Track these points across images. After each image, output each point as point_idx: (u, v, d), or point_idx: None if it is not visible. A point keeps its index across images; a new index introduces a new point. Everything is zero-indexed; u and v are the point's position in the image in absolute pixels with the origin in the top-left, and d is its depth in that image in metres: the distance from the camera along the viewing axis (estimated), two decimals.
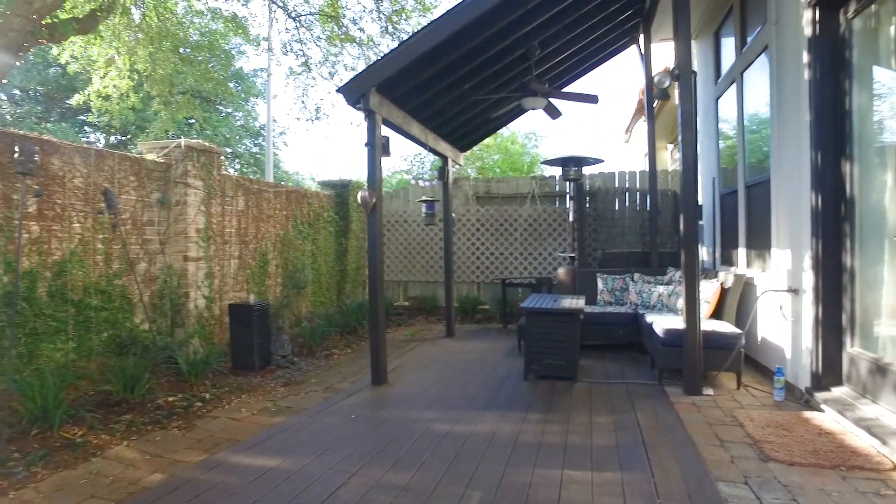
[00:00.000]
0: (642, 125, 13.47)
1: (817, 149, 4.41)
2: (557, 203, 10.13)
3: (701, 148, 8.12)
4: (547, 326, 5.63)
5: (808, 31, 4.46)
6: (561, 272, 8.23)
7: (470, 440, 4.04)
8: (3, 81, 4.00)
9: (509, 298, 9.65)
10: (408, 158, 19.71)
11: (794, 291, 4.80)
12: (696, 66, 8.32)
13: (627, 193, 9.11)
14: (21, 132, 4.91)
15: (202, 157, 6.33)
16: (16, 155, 3.96)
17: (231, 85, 16.71)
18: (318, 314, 8.70)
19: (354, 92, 5.46)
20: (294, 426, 4.41)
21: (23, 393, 4.02)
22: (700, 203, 8.49)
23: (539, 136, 21.09)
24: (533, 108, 6.67)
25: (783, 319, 5.02)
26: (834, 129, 4.36)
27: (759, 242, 5.77)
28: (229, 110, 17.46)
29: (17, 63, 4.00)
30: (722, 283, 5.90)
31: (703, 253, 8.05)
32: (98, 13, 4.83)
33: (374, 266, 5.73)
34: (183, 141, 6.14)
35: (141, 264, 5.83)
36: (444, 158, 8.20)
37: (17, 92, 13.88)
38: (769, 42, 5.25)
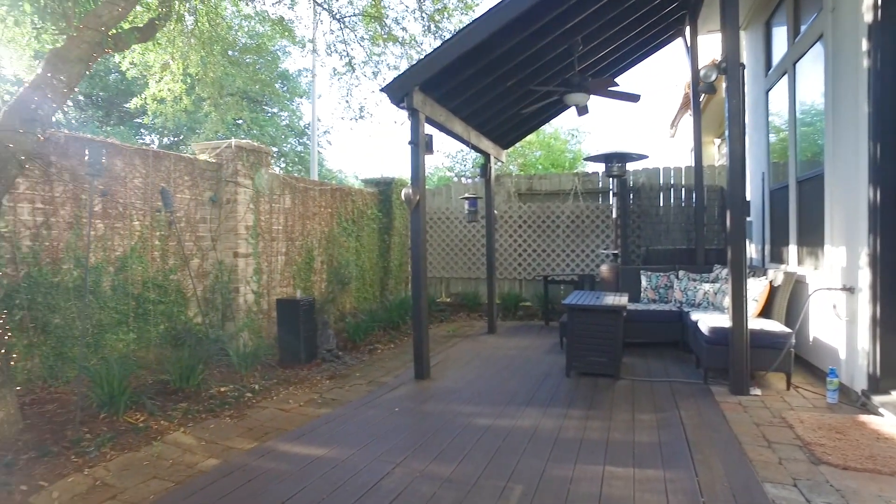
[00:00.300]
0: (688, 119, 13.16)
1: (875, 141, 4.24)
2: (600, 200, 10.02)
3: (749, 142, 7.90)
4: (590, 323, 5.60)
5: (868, 18, 4.29)
6: (604, 269, 8.15)
7: (511, 435, 4.07)
8: (75, 90, 4.26)
9: (551, 295, 9.61)
10: (449, 156, 19.82)
11: (850, 290, 4.63)
12: (744, 57, 8.07)
13: (672, 189, 8.92)
14: (89, 136, 5.22)
15: (251, 157, 6.55)
16: (86, 158, 4.22)
17: (277, 85, 17.17)
18: (361, 310, 8.88)
19: (398, 91, 5.55)
20: (339, 417, 4.54)
21: (92, 379, 4.29)
22: (748, 199, 8.25)
23: (582, 132, 20.85)
24: (576, 105, 6.61)
25: (837, 319, 4.85)
26: (894, 121, 4.18)
27: (812, 239, 5.57)
28: (275, 110, 17.94)
29: (87, 72, 4.25)
30: (771, 281, 5.73)
31: (752, 250, 7.83)
32: (156, 22, 5.07)
33: (417, 263, 5.82)
34: (234, 141, 6.37)
35: (194, 260, 6.10)
36: (487, 156, 8.23)
37: (81, 98, 14.65)
38: (825, 30, 5.06)
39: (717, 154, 13.22)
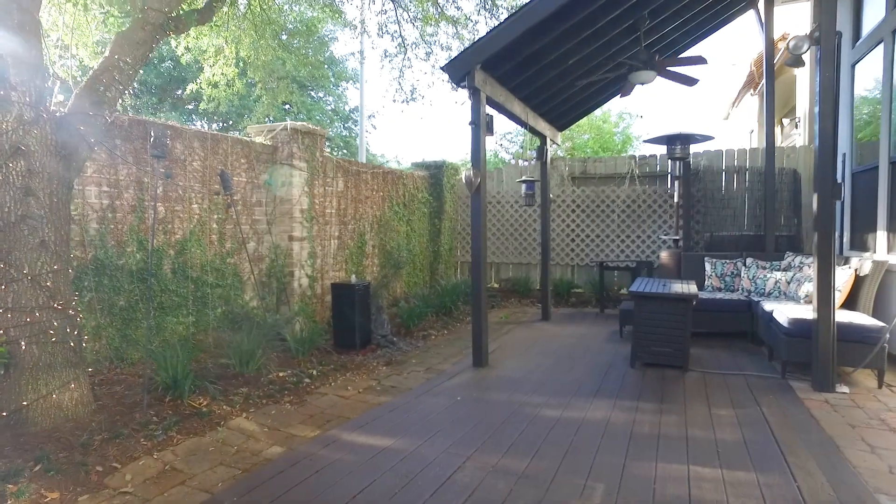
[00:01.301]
0: (749, 100, 12.48)
1: None
2: (658, 183, 9.58)
3: None
4: (657, 312, 5.31)
5: None
6: (664, 255, 7.78)
7: (583, 428, 3.86)
8: (140, 72, 4.21)
9: (606, 282, 9.29)
10: (497, 139, 19.44)
11: None
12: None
13: (737, 173, 8.43)
14: (150, 119, 5.20)
15: (306, 139, 6.46)
16: (151, 139, 4.17)
17: (326, 68, 17.13)
18: (412, 294, 8.77)
19: (459, 69, 5.33)
20: (401, 406, 4.42)
21: (157, 363, 4.28)
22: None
23: (632, 115, 20.09)
24: (642, 83, 6.26)
25: None
26: None
27: None
28: (321, 95, 17.91)
29: (150, 55, 4.19)
30: (856, 270, 5.30)
31: None
32: (214, 3, 4.98)
33: (477, 248, 5.63)
34: (289, 123, 6.28)
35: (250, 244, 6.06)
36: (543, 137, 7.93)
37: (136, 84, 14.97)
38: None
39: (780, 135, 12.51)
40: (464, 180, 5.58)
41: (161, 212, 5.13)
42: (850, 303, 5.29)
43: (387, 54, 9.04)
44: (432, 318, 7.83)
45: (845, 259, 6.05)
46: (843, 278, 5.33)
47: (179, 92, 15.32)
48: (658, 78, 6.17)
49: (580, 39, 5.95)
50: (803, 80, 9.25)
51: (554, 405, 4.38)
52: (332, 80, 18.05)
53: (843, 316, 4.84)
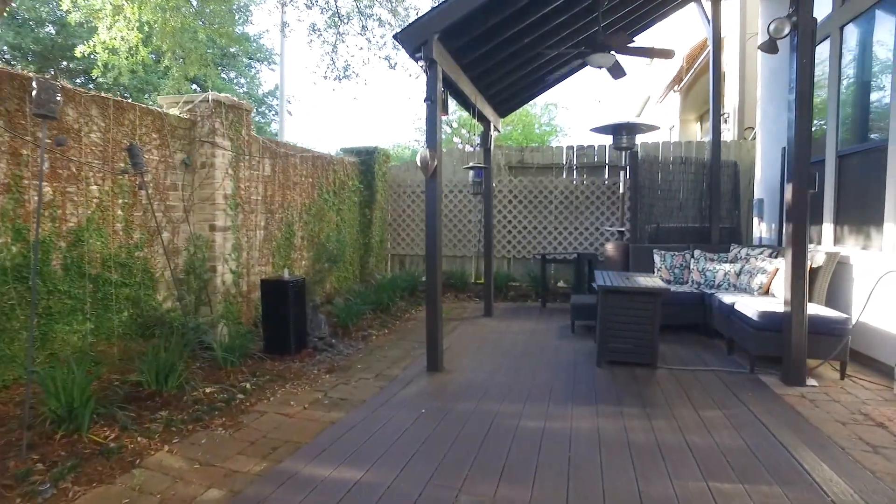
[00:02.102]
0: (671, 97, 12.76)
1: None
2: (597, 174, 9.42)
3: (764, 117, 7.44)
4: (624, 307, 4.98)
5: None
6: (610, 247, 7.57)
7: (575, 441, 3.39)
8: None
9: (540, 274, 9.01)
10: (420, 127, 18.69)
11: None
12: (759, 25, 7.57)
13: (672, 164, 8.38)
14: (32, 73, 4.10)
15: (230, 115, 5.53)
16: (33, 93, 3.15)
17: (234, 50, 15.64)
18: (342, 290, 8.00)
19: (416, 38, 4.68)
20: (359, 424, 3.73)
21: (43, 387, 3.28)
22: (754, 176, 7.84)
23: (557, 106, 20.06)
24: (600, 67, 5.90)
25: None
26: None
27: (859, 217, 5.12)
28: (233, 75, 16.33)
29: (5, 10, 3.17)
30: (810, 262, 5.26)
31: (761, 228, 7.43)
32: None
33: (432, 239, 5.03)
34: (211, 94, 5.33)
35: (164, 234, 5.07)
36: (487, 122, 7.44)
37: (5, 48, 12.76)
38: None
39: (699, 132, 12.91)
40: (419, 163, 4.95)
41: (48, 193, 4.07)
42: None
43: (315, 29, 8.14)
44: (370, 317, 7.13)
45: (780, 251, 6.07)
46: None
47: (66, 64, 13.31)
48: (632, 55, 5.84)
49: (538, 17, 5.49)
50: (732, 75, 9.45)
51: (533, 415, 3.89)
52: (246, 60, 16.53)
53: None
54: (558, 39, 6.17)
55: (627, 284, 5.03)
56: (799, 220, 4.38)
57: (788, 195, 4.45)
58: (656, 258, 6.89)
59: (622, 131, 7.49)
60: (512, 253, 9.70)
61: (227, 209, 5.50)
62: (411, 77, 17.99)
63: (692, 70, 10.50)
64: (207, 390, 4.13)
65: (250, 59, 16.81)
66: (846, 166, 5.34)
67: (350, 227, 8.62)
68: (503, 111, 8.11)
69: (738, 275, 6.20)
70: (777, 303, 5.01)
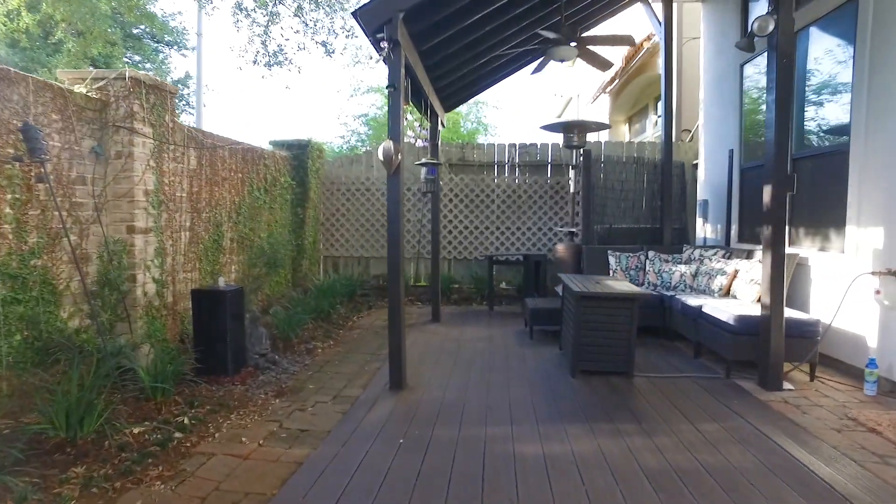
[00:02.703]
0: (603, 98, 12.91)
1: None
2: (540, 173, 9.22)
3: (708, 118, 7.53)
4: (599, 314, 4.70)
5: None
6: (561, 248, 7.36)
7: (585, 470, 3.02)
8: None
9: (483, 276, 8.70)
10: (346, 122, 17.70)
11: (895, 274, 4.20)
12: (702, 30, 7.66)
13: (624, 164, 8.29)
14: None
15: (152, 96, 4.66)
16: None
17: (137, 31, 14.00)
18: (276, 297, 7.21)
19: (378, 16, 4.13)
20: (331, 464, 3.14)
21: None
22: (697, 177, 7.94)
23: (486, 103, 19.72)
24: (561, 61, 5.62)
25: (868, 305, 4.43)
26: None
27: (818, 219, 5.18)
28: (138, 59, 14.54)
29: None
30: None
31: (706, 229, 7.52)
32: None
33: (395, 242, 4.48)
34: (127, 71, 4.45)
35: (70, 237, 4.15)
36: (436, 117, 6.96)
37: None
38: None
39: (628, 133, 13.16)
40: (381, 157, 4.39)
41: None
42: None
43: (241, 8, 7.28)
44: (312, 326, 6.43)
45: (730, 252, 6.11)
46: (759, 272, 5.25)
47: None
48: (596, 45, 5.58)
49: (499, 6, 5.10)
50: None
51: (525, 438, 3.48)
52: (153, 42, 14.81)
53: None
54: (518, 29, 5.82)
55: (601, 289, 4.76)
56: (777, 223, 4.29)
57: (766, 197, 4.35)
58: (611, 260, 6.74)
59: (573, 129, 7.30)
60: (453, 254, 9.30)
61: (148, 207, 4.64)
62: (350, 65, 17.00)
63: (626, 72, 10.61)
64: (136, 430, 3.35)
65: (158, 41, 15.11)
66: (802, 170, 5.39)
67: (282, 228, 7.82)
68: (448, 106, 7.69)
69: (695, 276, 6.16)
70: (745, 305, 4.94)
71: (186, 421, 3.60)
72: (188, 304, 5.20)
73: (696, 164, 7.99)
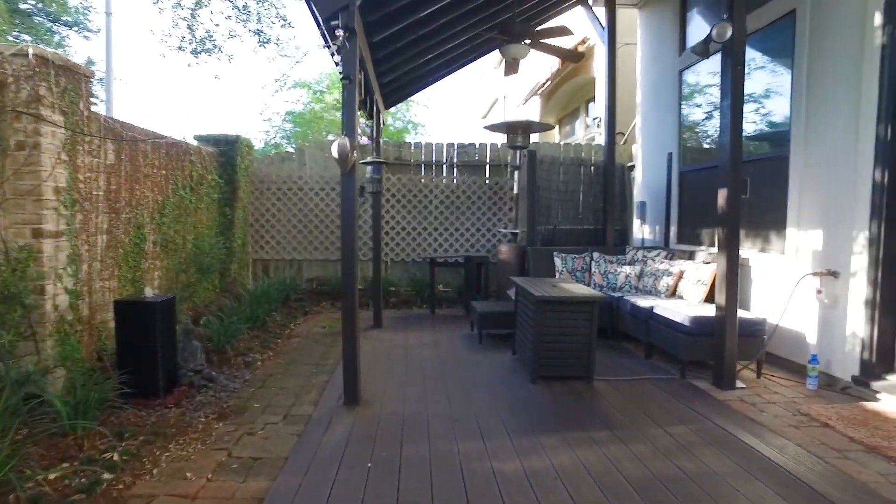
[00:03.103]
0: (535, 100, 13.06)
1: (887, 123, 3.97)
2: (487, 173, 9.10)
3: (645, 122, 7.71)
4: (558, 318, 4.61)
5: None
6: (504, 250, 7.27)
7: (570, 485, 2.87)
8: None
9: (422, 279, 8.49)
10: (271, 118, 16.76)
11: (834, 274, 4.41)
12: (638, 37, 7.85)
13: (569, 166, 8.30)
14: None
15: (62, 79, 4.03)
16: None
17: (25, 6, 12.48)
18: (203, 305, 6.60)
19: (333, 2, 3.78)
20: (298, 498, 2.80)
21: None
22: (632, 179, 8.13)
23: (416, 101, 19.41)
24: (515, 58, 5.51)
25: (808, 304, 4.64)
26: None
27: (757, 222, 5.38)
28: (27, 39, 12.91)
29: None
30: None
31: (643, 230, 7.71)
32: None
33: (349, 244, 4.16)
34: (30, 48, 3.81)
35: None
36: (378, 113, 6.65)
37: None
38: (799, 8, 4.75)
39: (558, 135, 13.38)
40: (335, 154, 4.04)
41: None
42: (711, 297, 5.37)
43: None
44: (247, 336, 5.92)
45: (671, 253, 6.27)
46: (706, 272, 5.40)
47: None
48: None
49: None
50: (602, 83, 9.77)
51: (501, 454, 3.29)
52: (48, 21, 13.21)
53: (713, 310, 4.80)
54: (469, 25, 5.64)
55: (561, 293, 4.67)
56: (732, 225, 4.38)
57: (721, 201, 4.43)
58: (557, 261, 6.72)
59: (518, 130, 7.23)
60: (390, 256, 8.99)
61: (60, 207, 4.01)
62: (275, 58, 16.05)
63: (560, 74, 10.75)
64: (53, 476, 2.82)
65: (54, 20, 13.52)
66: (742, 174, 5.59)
67: (210, 229, 7.19)
68: (391, 102, 7.42)
69: (640, 277, 6.26)
70: (698, 306, 5.04)
71: (116, 457, 3.10)
72: (106, 317, 4.60)
73: (632, 167, 8.19)
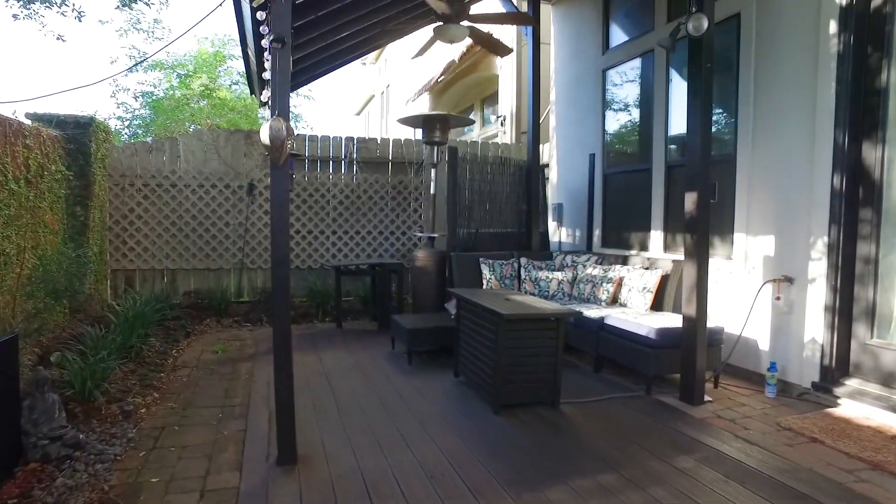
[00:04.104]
0: (424, 98, 12.44)
1: (843, 128, 3.92)
2: (390, 171, 8.24)
3: (561, 122, 7.43)
4: (521, 338, 4.00)
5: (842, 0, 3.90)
6: (422, 256, 6.53)
7: None
8: None
9: (322, 288, 7.47)
10: (125, 102, 14.01)
11: (789, 280, 4.32)
12: (552, 34, 7.54)
13: (491, 165, 7.66)
14: None
15: None
16: None
17: None
18: (54, 336, 4.98)
19: None
20: None
21: None
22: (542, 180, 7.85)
23: (297, 93, 17.35)
24: (451, 41, 4.81)
25: (763, 311, 4.53)
26: (862, 109, 3.91)
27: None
28: None
29: None
30: (664, 272, 5.20)
31: (561, 233, 7.44)
32: None
33: (281, 255, 3.19)
34: None
35: None
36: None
37: None
38: (744, 9, 4.63)
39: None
40: (266, 140, 3.03)
41: None
42: (657, 304, 5.15)
43: None
44: (121, 373, 4.52)
45: (622, 259, 6.02)
46: (652, 279, 5.15)
47: None
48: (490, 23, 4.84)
49: None
50: (508, 81, 9.43)
51: None
52: None
53: (672, 320, 4.56)
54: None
55: (527, 310, 4.06)
56: (701, 231, 4.09)
57: (690, 205, 4.13)
58: (483, 268, 6.14)
59: (435, 124, 6.55)
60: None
61: None
62: (127, 31, 13.32)
63: (455, 71, 10.26)
64: None
65: None
66: (676, 177, 5.45)
67: (56, 235, 5.52)
68: (298, 83, 6.30)
69: (573, 284, 5.90)
70: (652, 316, 4.74)
71: None
72: None
73: (545, 166, 7.90)
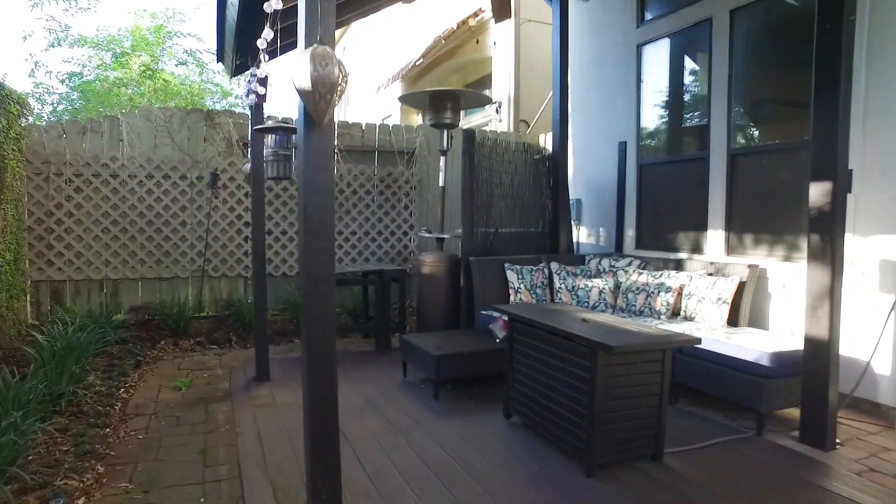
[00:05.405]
0: (395, 86, 11.19)
1: None
2: (376, 161, 6.96)
3: (581, 106, 6.42)
4: (621, 374, 2.92)
5: None
6: (430, 260, 5.35)
7: None
8: None
9: (296, 299, 6.15)
10: (45, 83, 11.80)
11: None
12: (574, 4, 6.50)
13: (513, 153, 6.52)
14: None
15: None
16: None
17: None
18: None
19: None
20: None
21: None
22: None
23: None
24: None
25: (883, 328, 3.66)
26: None
27: (770, 223, 4.35)
28: None
29: None
30: (741, 279, 4.26)
31: (580, 234, 6.43)
32: None
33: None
34: None
35: None
36: (260, 63, 4.21)
37: None
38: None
39: (421, 120, 11.72)
40: (306, 81, 1.80)
41: None
42: (732, 319, 4.22)
43: None
44: (45, 438, 3.08)
45: (675, 263, 5.02)
46: (727, 289, 4.20)
47: None
48: None
49: None
50: (503, 65, 8.31)
51: None
52: None
53: (773, 340, 3.63)
54: None
55: (627, 337, 2.98)
56: (836, 231, 3.14)
57: (817, 198, 3.18)
58: (510, 275, 5.02)
59: (446, 102, 5.38)
60: (250, 270, 6.39)
61: None
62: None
63: (436, 53, 9.11)
64: None
65: None
66: (743, 167, 4.54)
67: None
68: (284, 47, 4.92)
69: (616, 293, 4.90)
70: (762, 338, 3.76)
71: None
72: None
73: None
